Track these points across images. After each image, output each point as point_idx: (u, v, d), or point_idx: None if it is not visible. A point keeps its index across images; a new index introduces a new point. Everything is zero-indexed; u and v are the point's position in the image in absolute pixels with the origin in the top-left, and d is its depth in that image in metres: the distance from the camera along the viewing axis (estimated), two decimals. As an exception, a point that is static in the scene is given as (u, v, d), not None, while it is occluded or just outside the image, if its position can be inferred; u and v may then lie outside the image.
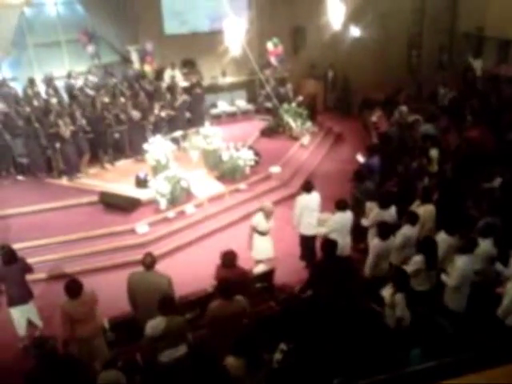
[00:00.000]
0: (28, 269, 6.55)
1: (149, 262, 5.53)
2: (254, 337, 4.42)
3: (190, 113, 12.53)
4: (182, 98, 12.15)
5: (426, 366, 3.64)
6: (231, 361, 4.23)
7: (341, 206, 6.87)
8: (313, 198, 7.39)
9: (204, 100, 13.10)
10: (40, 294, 7.58)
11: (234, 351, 4.28)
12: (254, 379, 4.22)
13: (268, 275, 6.93)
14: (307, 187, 7.41)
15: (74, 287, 5.35)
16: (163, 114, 11.70)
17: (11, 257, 6.32)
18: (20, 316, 6.44)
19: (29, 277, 7.74)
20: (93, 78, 13.06)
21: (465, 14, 15.17)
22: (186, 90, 12.87)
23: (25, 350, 6.42)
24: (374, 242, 6.34)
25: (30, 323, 6.52)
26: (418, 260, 5.75)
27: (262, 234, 7.07)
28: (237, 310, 5.06)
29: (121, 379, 4.48)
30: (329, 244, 6.07)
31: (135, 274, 5.69)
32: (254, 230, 7.09)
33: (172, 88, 12.59)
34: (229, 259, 5.68)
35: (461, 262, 5.52)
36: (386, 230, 6.25)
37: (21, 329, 6.47)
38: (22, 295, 6.40)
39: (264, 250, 7.14)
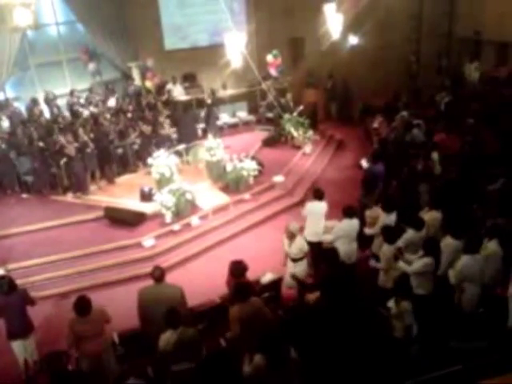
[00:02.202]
0: (30, 301, 6.20)
1: (158, 275, 5.51)
2: (279, 334, 4.40)
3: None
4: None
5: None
6: (257, 358, 4.23)
7: (348, 213, 6.86)
8: (321, 206, 7.38)
9: (213, 114, 13.18)
10: (49, 310, 7.63)
11: (259, 348, 4.27)
12: (278, 377, 4.19)
13: (275, 284, 6.91)
14: (318, 195, 7.39)
15: (82, 305, 5.24)
16: (170, 129, 11.88)
17: (10, 285, 5.99)
18: (18, 349, 6.12)
19: (37, 293, 7.86)
20: (94, 95, 13.23)
21: (462, 19, 15.25)
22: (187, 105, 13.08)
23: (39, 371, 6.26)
24: (383, 249, 6.33)
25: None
26: (428, 262, 5.74)
27: (293, 260, 6.76)
28: (255, 310, 5.08)
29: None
30: (330, 253, 6.08)
31: (146, 288, 5.60)
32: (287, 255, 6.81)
33: (170, 102, 12.76)
34: (238, 269, 5.69)
35: (461, 262, 5.53)
36: (391, 234, 6.26)
37: (33, 354, 6.22)
38: (21, 328, 6.06)
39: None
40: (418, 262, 5.83)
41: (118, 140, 11.27)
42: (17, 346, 6.11)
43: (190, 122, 12.61)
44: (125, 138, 11.30)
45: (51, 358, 4.28)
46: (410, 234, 6.36)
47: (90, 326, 5.29)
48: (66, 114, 12.55)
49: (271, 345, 4.22)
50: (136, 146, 11.52)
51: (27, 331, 6.14)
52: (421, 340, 5.17)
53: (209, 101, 12.97)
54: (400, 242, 6.28)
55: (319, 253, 7.10)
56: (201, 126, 12.98)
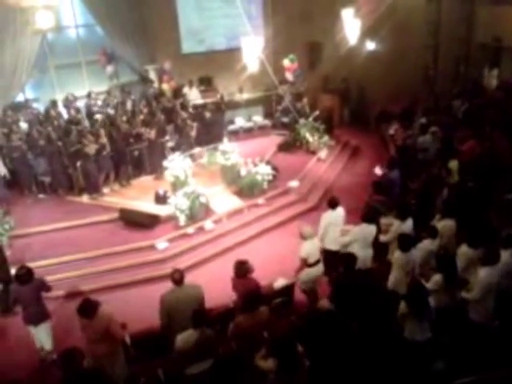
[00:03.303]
0: (46, 288, 6.44)
1: (178, 278, 5.50)
2: (291, 338, 4.39)
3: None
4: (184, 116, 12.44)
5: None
6: (269, 362, 4.22)
7: (368, 218, 6.83)
8: (338, 214, 7.30)
9: (224, 117, 13.23)
10: (63, 310, 7.68)
11: (271, 352, 4.26)
12: (290, 381, 4.17)
13: (289, 289, 6.88)
14: (332, 203, 7.29)
15: (86, 308, 5.25)
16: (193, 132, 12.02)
17: (28, 277, 6.19)
18: (33, 334, 6.44)
19: (50, 294, 7.93)
20: (112, 98, 13.37)
21: (481, 25, 15.06)
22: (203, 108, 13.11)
23: (53, 364, 6.42)
24: (395, 255, 6.26)
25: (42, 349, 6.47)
26: (437, 280, 5.62)
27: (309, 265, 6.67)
28: (260, 322, 5.09)
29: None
30: (348, 258, 6.04)
31: (169, 293, 5.54)
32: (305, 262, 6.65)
33: (184, 106, 12.84)
34: (240, 268, 5.70)
35: (483, 274, 5.42)
36: (406, 241, 6.18)
37: (46, 344, 6.48)
38: (36, 315, 6.32)
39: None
40: (431, 282, 5.68)
41: (134, 142, 11.34)
42: (32, 330, 6.40)
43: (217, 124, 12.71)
44: (140, 140, 11.37)
45: (67, 355, 4.29)
46: (425, 243, 6.30)
47: (95, 329, 5.29)
48: (84, 115, 12.69)
49: (283, 349, 4.20)
50: (148, 149, 11.56)
51: (41, 319, 6.38)
52: (445, 356, 5.08)
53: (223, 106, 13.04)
54: (418, 254, 6.21)
55: (336, 258, 7.07)
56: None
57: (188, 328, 4.97)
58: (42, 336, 6.47)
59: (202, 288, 5.63)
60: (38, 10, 8.10)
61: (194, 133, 12.23)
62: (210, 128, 12.60)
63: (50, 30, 9.07)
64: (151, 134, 11.33)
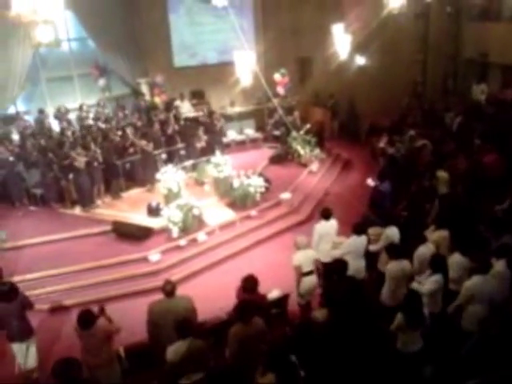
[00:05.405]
0: (29, 305, 6.27)
1: (170, 290, 5.48)
2: (286, 351, 4.40)
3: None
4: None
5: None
6: (270, 376, 4.22)
7: (357, 230, 6.92)
8: (331, 225, 7.36)
9: (216, 130, 13.30)
10: (53, 323, 7.63)
11: (266, 366, 4.26)
12: None
13: (282, 300, 6.91)
14: (325, 214, 7.35)
15: (85, 319, 5.22)
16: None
17: (12, 293, 5.99)
18: (16, 351, 6.20)
19: (42, 306, 7.87)
20: (102, 110, 13.40)
21: (468, 41, 15.42)
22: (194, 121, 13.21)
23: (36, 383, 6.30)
24: (388, 267, 6.32)
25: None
26: (438, 279, 5.74)
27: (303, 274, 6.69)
28: (256, 332, 5.07)
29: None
30: (339, 265, 6.10)
31: (156, 302, 5.56)
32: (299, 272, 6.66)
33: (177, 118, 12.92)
34: (250, 284, 5.70)
35: (470, 283, 5.52)
36: (394, 249, 6.29)
37: (30, 361, 6.24)
38: (21, 332, 6.11)
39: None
40: (429, 282, 5.82)
41: (127, 154, 11.36)
42: (15, 347, 6.18)
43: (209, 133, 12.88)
44: (134, 152, 11.39)
45: (64, 365, 4.23)
46: (420, 250, 6.37)
47: (92, 340, 5.26)
48: (76, 127, 12.69)
49: (278, 361, 4.21)
50: (140, 162, 11.57)
51: (25, 335, 6.17)
52: (434, 361, 5.13)
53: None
54: (414, 263, 6.29)
55: (327, 269, 7.11)
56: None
57: (176, 340, 4.94)
58: (31, 352, 6.24)
59: (191, 300, 5.59)
60: (37, 25, 8.20)
61: (200, 144, 12.23)
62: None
63: (49, 45, 9.19)
64: (149, 146, 11.38)
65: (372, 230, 7.40)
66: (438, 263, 5.87)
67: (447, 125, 12.73)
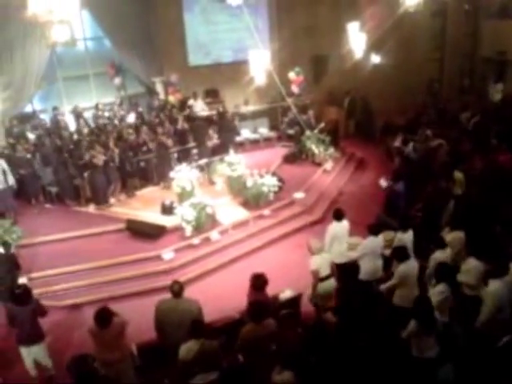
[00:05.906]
0: (41, 312, 6.19)
1: (177, 290, 5.51)
2: (306, 351, 4.39)
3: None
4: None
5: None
6: (286, 375, 4.21)
7: (373, 231, 6.89)
8: (343, 226, 7.31)
9: (230, 128, 13.30)
10: (68, 319, 7.71)
11: (283, 364, 4.25)
12: None
13: (295, 301, 6.87)
14: (337, 215, 7.30)
15: (103, 317, 5.26)
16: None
17: (26, 297, 6.01)
18: (27, 356, 6.19)
19: (57, 303, 7.97)
20: (119, 109, 13.50)
21: (486, 39, 15.21)
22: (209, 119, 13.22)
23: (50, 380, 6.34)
24: (397, 270, 6.27)
25: (39, 364, 6.25)
26: (442, 290, 5.61)
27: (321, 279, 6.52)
28: (267, 333, 5.07)
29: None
30: (351, 269, 6.07)
31: (163, 301, 5.63)
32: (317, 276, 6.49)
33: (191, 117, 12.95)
34: (259, 281, 5.69)
35: (493, 287, 5.41)
36: (401, 253, 6.24)
37: (30, 369, 6.26)
38: (30, 336, 6.08)
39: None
40: (434, 294, 5.65)
41: (140, 153, 11.43)
42: (24, 351, 6.19)
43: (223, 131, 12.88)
44: (147, 151, 11.46)
45: (78, 360, 4.28)
46: (437, 254, 6.31)
47: (109, 337, 5.32)
48: (93, 126, 12.82)
49: (297, 361, 4.21)
50: (155, 160, 11.64)
51: (35, 339, 6.15)
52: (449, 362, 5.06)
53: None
54: (430, 265, 6.22)
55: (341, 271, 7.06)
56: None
57: (180, 341, 4.97)
58: (42, 355, 6.24)
59: (198, 303, 5.58)
60: (53, 25, 8.31)
61: (211, 143, 12.24)
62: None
63: (65, 44, 9.33)
64: (168, 141, 11.49)
65: (385, 235, 7.33)
66: (442, 272, 5.71)
67: (462, 124, 12.56)
